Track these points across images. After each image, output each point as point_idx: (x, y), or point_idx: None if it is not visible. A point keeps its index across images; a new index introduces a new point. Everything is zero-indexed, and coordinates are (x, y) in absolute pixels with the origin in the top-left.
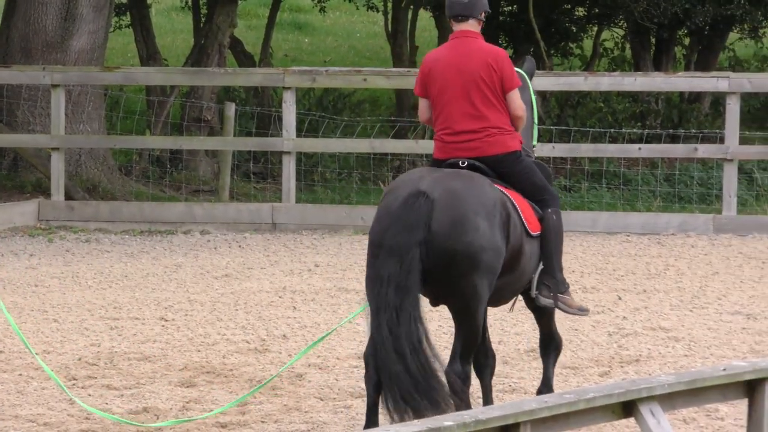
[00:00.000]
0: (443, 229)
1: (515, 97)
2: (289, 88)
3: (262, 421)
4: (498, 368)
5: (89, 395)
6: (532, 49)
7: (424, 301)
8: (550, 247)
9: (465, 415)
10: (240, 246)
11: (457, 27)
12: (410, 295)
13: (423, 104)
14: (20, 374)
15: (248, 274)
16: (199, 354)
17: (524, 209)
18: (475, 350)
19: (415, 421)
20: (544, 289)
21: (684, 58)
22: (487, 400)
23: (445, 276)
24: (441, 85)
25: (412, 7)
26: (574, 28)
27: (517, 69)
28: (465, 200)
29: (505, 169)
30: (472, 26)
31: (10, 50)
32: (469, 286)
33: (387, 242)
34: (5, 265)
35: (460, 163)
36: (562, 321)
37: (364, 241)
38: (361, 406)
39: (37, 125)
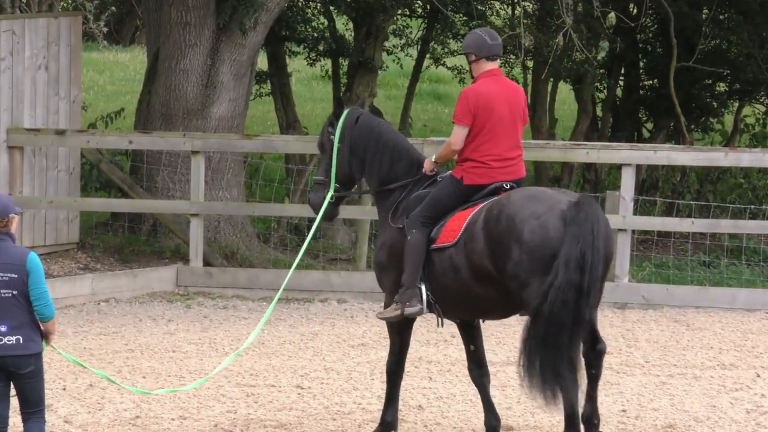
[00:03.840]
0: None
1: None
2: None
3: None
4: None
5: None
6: (672, 124)
7: None
8: None
9: None
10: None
11: (490, 65)
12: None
13: (464, 134)
14: None
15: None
16: (335, 423)
17: None
18: None
19: None
20: None
21: None
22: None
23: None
24: (494, 115)
25: (551, 79)
26: (714, 104)
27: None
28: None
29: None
30: (498, 64)
31: (151, 116)
32: None
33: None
34: (143, 330)
35: (504, 185)
36: (699, 398)
37: None
38: None
39: (177, 191)
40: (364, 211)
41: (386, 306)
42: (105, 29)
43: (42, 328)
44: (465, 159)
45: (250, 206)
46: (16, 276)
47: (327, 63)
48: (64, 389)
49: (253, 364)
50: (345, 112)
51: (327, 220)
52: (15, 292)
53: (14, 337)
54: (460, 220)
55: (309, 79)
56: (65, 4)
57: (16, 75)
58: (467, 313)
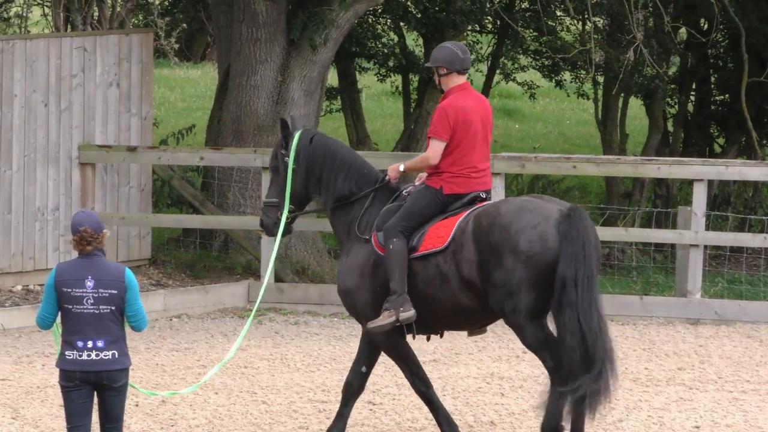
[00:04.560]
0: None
1: None
2: (498, 173)
3: None
4: None
5: None
6: (743, 139)
7: None
8: None
9: None
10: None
11: (460, 79)
12: None
13: (442, 148)
14: None
15: (456, 360)
16: None
17: None
18: None
19: None
20: None
21: None
22: None
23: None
24: (471, 130)
25: (622, 95)
26: None
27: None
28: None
29: None
30: (467, 78)
31: (222, 132)
32: None
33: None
34: (215, 346)
35: (480, 194)
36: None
37: None
38: None
39: (248, 207)
40: None
41: (366, 320)
42: (176, 46)
43: None
44: (442, 171)
45: (321, 222)
46: (115, 292)
47: (397, 79)
48: (137, 405)
49: (324, 380)
50: (297, 134)
51: (274, 236)
52: (113, 308)
53: (110, 352)
54: (446, 227)
55: (379, 95)
56: (136, 21)
57: (88, 92)
58: (444, 324)
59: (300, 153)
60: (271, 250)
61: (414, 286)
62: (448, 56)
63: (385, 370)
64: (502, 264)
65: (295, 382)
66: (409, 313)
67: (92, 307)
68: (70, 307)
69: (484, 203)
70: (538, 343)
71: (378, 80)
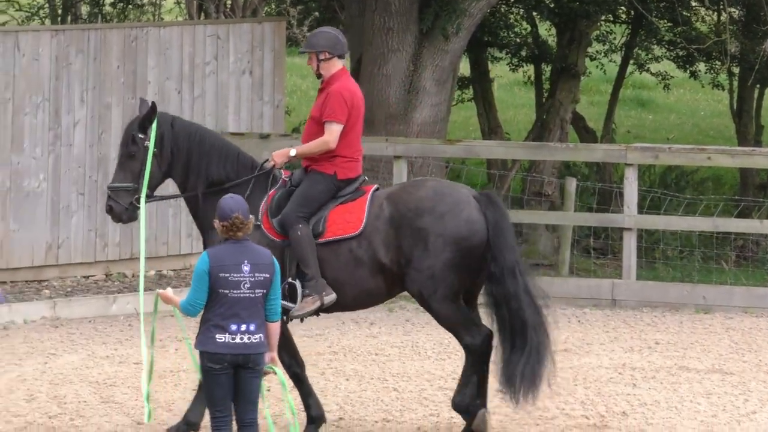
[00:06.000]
0: None
1: None
2: (631, 164)
3: None
4: None
5: None
6: None
7: None
8: None
9: None
10: (579, 321)
11: (340, 64)
12: None
13: (339, 131)
14: None
15: (587, 350)
16: (538, 428)
17: None
18: None
19: None
20: None
21: None
22: None
23: None
24: (360, 113)
25: (758, 86)
26: None
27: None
28: None
29: None
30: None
31: None
32: None
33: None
34: (347, 333)
35: (364, 178)
36: None
37: (706, 320)
38: None
39: None
40: (567, 217)
41: None
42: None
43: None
44: (335, 155)
45: None
46: (267, 276)
47: (529, 69)
48: (269, 390)
49: (455, 368)
50: (155, 118)
51: (125, 222)
52: (264, 292)
53: (258, 335)
54: (353, 213)
55: (511, 85)
56: (269, 10)
57: (221, 79)
58: (344, 306)
59: (163, 136)
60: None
61: (322, 273)
62: (332, 41)
63: None
64: (428, 247)
65: (425, 370)
66: (331, 296)
67: (248, 291)
68: (227, 291)
69: (374, 187)
70: (455, 322)
71: (510, 70)
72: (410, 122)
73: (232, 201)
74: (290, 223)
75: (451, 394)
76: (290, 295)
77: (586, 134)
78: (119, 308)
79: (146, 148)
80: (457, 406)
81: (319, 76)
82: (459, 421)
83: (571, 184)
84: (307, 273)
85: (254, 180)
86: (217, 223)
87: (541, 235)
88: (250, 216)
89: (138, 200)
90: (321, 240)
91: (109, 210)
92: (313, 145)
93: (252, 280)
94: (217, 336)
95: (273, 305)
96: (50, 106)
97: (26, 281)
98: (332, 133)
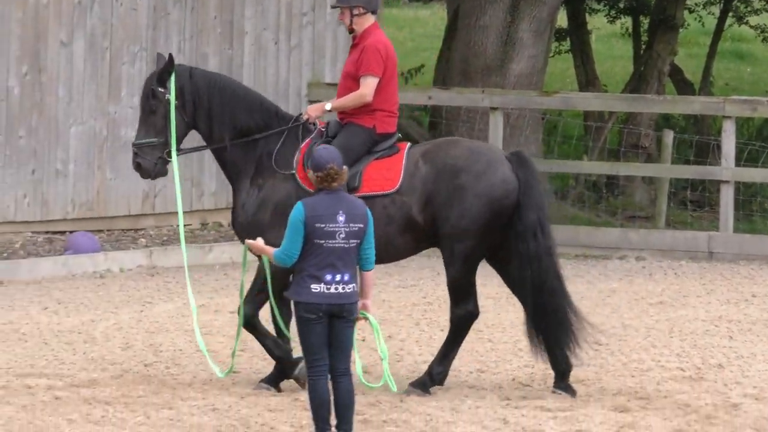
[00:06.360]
0: None
1: None
2: (729, 117)
3: None
4: None
5: (522, 416)
6: None
7: None
8: None
9: None
10: (675, 273)
11: (372, 19)
12: None
13: (376, 84)
14: (457, 392)
15: (683, 302)
16: (633, 380)
17: None
18: None
19: None
20: None
21: None
22: None
23: None
24: (395, 68)
25: None
26: None
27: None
28: None
29: None
30: None
31: (450, 72)
32: None
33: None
34: (441, 284)
35: (399, 135)
36: None
37: None
38: None
39: None
40: (664, 169)
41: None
42: None
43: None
44: (375, 109)
45: (547, 163)
46: (362, 226)
47: (627, 21)
48: (363, 340)
49: None
50: (173, 70)
51: (154, 178)
52: (358, 242)
53: (351, 285)
54: (391, 170)
55: (609, 37)
56: None
57: (317, 30)
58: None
59: (183, 88)
60: None
61: None
62: None
63: (611, 312)
64: (464, 206)
65: (520, 321)
66: None
67: (343, 241)
68: (322, 242)
69: (408, 145)
70: (465, 285)
71: (608, 22)
72: (507, 74)
73: (326, 152)
74: None
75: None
76: None
77: (683, 86)
78: (215, 257)
79: (168, 102)
80: (438, 376)
81: (351, 31)
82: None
83: (669, 136)
84: None
85: (288, 132)
86: (311, 174)
87: (637, 188)
88: (344, 167)
89: (168, 154)
90: (356, 195)
91: (137, 167)
92: (350, 99)
93: (347, 230)
94: (312, 286)
95: (368, 254)
96: (147, 55)
97: (123, 230)
98: (368, 86)
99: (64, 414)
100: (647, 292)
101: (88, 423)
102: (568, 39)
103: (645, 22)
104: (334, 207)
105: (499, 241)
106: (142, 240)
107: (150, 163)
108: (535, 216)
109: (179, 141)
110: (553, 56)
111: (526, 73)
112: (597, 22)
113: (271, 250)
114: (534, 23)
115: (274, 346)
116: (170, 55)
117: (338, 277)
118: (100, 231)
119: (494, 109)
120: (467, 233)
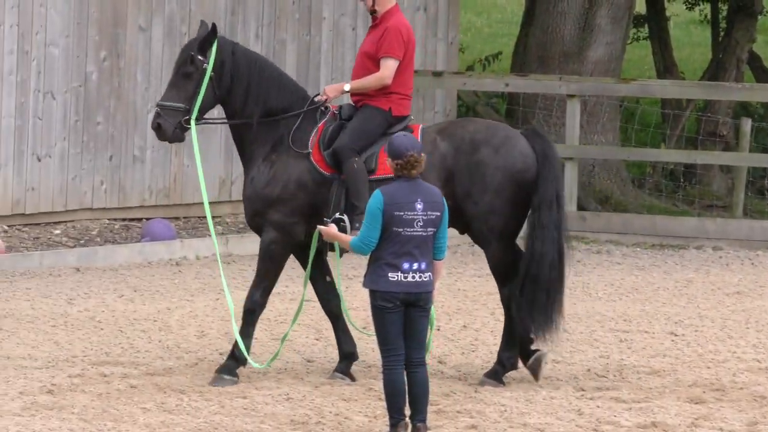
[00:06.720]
0: None
1: None
2: None
3: None
4: None
5: (597, 407)
6: None
7: None
8: None
9: None
10: (753, 263)
11: (393, 1)
12: None
13: (396, 67)
14: (531, 383)
15: (760, 292)
16: (709, 371)
17: None
18: None
19: None
20: None
21: None
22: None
23: None
24: (413, 53)
25: None
26: None
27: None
28: None
29: None
30: None
31: (527, 59)
32: None
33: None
34: None
35: (412, 117)
36: None
37: None
38: None
39: (552, 134)
40: (742, 158)
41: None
42: None
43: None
44: (391, 92)
45: (625, 151)
46: (438, 214)
47: (706, 7)
48: (439, 329)
49: (626, 310)
50: (215, 41)
51: (171, 142)
52: (434, 230)
53: (427, 273)
54: None
55: (687, 24)
56: None
57: None
58: None
59: (223, 62)
60: (572, 178)
61: None
62: None
63: (688, 302)
64: (486, 180)
65: (596, 311)
66: None
67: (421, 229)
68: (400, 230)
69: (421, 125)
70: (506, 263)
71: (686, 8)
72: (584, 60)
73: (406, 139)
74: (346, 155)
75: (622, 335)
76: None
77: (762, 74)
78: None
79: (204, 71)
80: (509, 361)
81: (372, 12)
82: (629, 362)
83: (747, 124)
84: (359, 206)
85: (305, 114)
86: (390, 161)
87: (715, 176)
88: (422, 154)
89: (187, 122)
90: (372, 177)
91: (157, 127)
92: (369, 81)
93: (425, 218)
94: (389, 274)
95: (441, 243)
96: None
97: (199, 217)
98: (389, 68)
99: (138, 402)
100: (724, 282)
101: (162, 411)
102: (646, 25)
103: (724, 8)
104: (412, 195)
105: (522, 221)
106: (218, 227)
107: (170, 126)
108: (553, 188)
109: (203, 111)
110: (630, 43)
111: (604, 59)
112: (675, 9)
113: (345, 236)
114: (612, 9)
115: (246, 346)
116: (213, 25)
117: (415, 266)
118: (177, 218)
119: (571, 96)
120: (493, 209)
